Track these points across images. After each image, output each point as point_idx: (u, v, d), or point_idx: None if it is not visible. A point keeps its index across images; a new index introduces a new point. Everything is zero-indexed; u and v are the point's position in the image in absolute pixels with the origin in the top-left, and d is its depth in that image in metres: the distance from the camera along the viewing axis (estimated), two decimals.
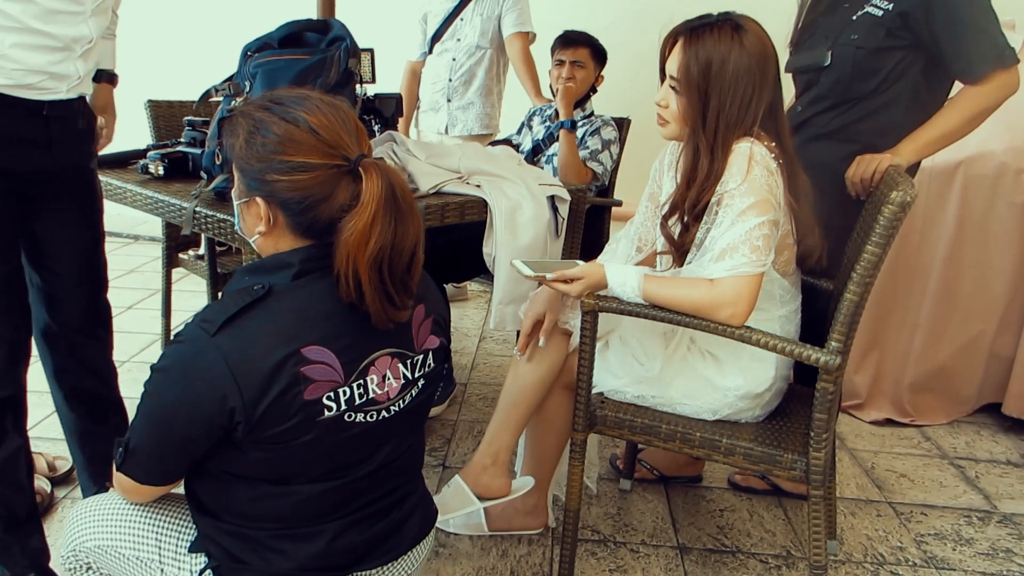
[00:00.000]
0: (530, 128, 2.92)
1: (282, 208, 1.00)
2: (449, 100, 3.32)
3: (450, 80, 3.29)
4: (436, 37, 3.27)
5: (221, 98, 1.96)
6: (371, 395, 1.04)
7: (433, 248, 2.24)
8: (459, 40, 3.24)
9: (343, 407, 1.01)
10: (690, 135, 1.53)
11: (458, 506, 1.73)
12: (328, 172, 0.97)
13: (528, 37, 3.19)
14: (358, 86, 2.28)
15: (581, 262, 1.61)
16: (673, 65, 1.51)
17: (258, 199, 1.01)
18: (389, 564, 1.15)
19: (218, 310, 0.95)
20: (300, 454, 1.00)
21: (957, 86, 1.80)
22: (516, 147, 2.85)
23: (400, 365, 1.07)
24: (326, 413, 0.99)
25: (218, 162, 1.85)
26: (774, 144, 1.51)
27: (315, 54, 1.91)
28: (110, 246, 3.10)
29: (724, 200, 1.44)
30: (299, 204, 0.98)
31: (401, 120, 3.49)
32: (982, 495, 2.25)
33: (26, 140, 1.46)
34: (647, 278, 1.48)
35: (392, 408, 1.08)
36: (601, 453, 2.28)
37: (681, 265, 1.54)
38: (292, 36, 1.99)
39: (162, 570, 1.08)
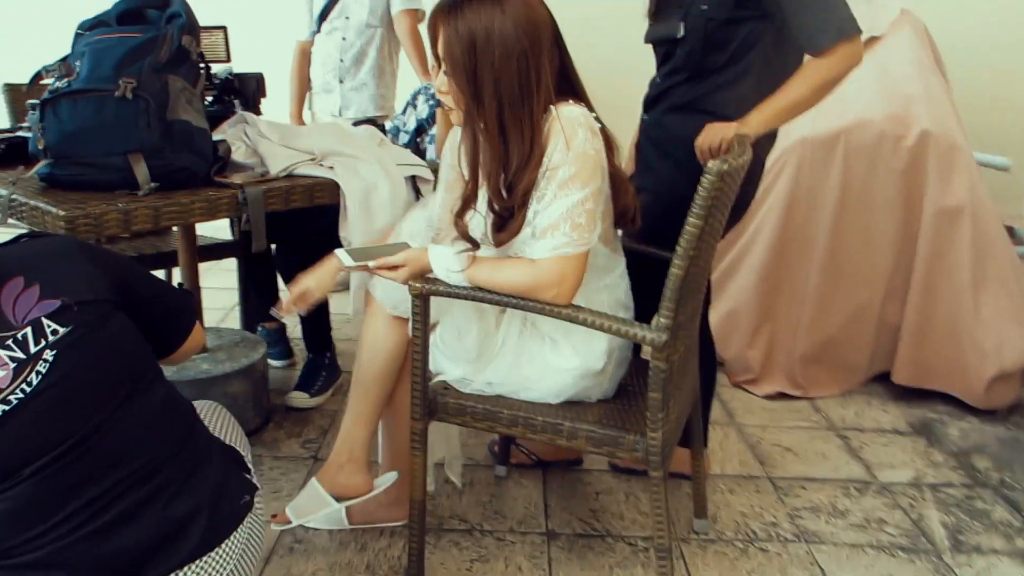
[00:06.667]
0: (415, 107, 2.84)
1: None
2: (341, 81, 3.21)
3: (341, 60, 3.18)
4: (323, 15, 3.15)
5: (53, 79, 1.85)
6: None
7: (304, 234, 2.19)
8: (348, 18, 3.12)
9: None
10: (466, 120, 1.41)
11: (314, 508, 1.65)
12: None
13: (417, 14, 3.09)
14: (214, 65, 2.18)
15: (411, 243, 1.54)
16: (440, 48, 1.40)
17: None
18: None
19: None
20: None
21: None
22: (385, 129, 2.77)
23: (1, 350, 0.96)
24: None
25: (40, 147, 1.74)
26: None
27: (149, 31, 1.81)
28: None
29: (548, 173, 1.37)
30: None
31: (294, 103, 3.41)
32: (863, 465, 2.25)
33: None
34: (471, 260, 1.41)
35: (12, 398, 0.96)
36: (472, 441, 2.22)
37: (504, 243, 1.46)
38: (131, 12, 1.88)
39: None
